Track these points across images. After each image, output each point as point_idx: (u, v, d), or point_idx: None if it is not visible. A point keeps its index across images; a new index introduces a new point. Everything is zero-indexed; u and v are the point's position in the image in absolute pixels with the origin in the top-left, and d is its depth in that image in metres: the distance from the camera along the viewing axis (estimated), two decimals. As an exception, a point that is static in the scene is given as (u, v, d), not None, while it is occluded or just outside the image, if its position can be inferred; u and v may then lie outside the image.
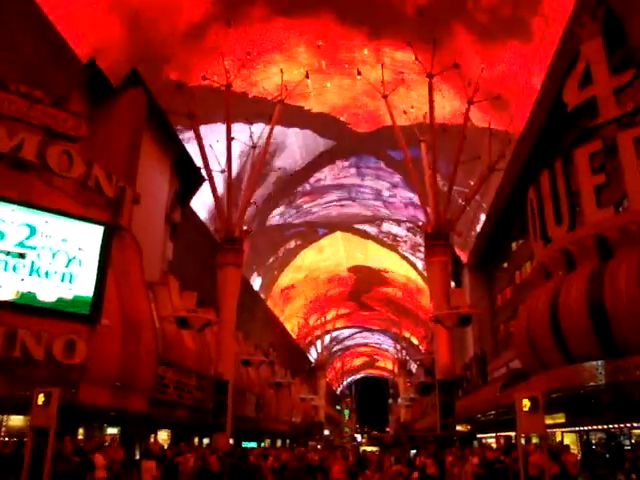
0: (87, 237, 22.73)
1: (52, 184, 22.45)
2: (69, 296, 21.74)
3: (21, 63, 24.71)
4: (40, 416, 13.71)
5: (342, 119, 50.84)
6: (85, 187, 23.55)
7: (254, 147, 39.91)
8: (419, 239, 62.36)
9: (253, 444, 44.72)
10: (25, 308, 20.37)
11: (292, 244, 77.43)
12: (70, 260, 22.00)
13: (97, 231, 23.09)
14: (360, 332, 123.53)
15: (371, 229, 76.53)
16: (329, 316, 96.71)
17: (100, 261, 22.75)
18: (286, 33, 40.26)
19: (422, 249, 45.43)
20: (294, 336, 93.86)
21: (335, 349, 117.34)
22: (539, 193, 21.52)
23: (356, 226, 76.15)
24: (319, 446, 58.05)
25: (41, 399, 13.72)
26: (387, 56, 40.36)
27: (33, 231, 21.23)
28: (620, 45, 20.19)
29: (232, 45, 37.63)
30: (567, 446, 21.19)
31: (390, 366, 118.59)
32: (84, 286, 22.14)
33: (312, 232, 76.05)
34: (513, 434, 25.72)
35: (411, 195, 57.55)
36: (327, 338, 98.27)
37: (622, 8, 20.64)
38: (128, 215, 25.52)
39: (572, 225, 19.67)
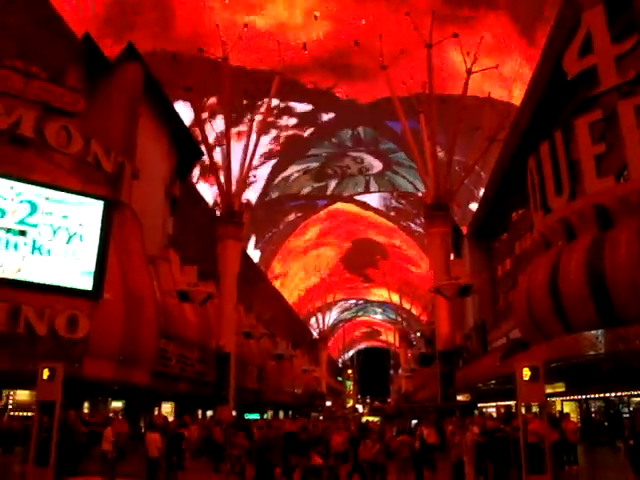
0: (87, 213, 22.71)
1: (51, 160, 22.37)
2: (71, 272, 21.80)
3: (16, 39, 24.40)
4: (46, 390, 13.85)
5: (340, 91, 50.51)
6: (84, 163, 23.47)
7: (252, 121, 39.74)
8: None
9: (256, 415, 45.09)
10: (28, 285, 20.47)
11: (292, 216, 77.36)
12: (71, 236, 22.00)
13: (97, 206, 23.05)
14: (362, 304, 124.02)
15: (372, 200, 76.42)
16: (330, 288, 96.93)
17: (101, 237, 22.75)
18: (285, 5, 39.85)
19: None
20: (295, 309, 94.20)
21: (337, 321, 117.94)
22: (539, 163, 21.42)
23: (357, 198, 76.06)
24: (321, 417, 58.61)
25: (46, 374, 13.83)
26: (386, 27, 39.94)
27: (34, 208, 21.20)
28: (621, 13, 19.93)
29: (229, 17, 37.25)
30: (567, 414, 21.42)
31: (391, 337, 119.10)
32: (86, 262, 22.20)
33: (312, 204, 75.95)
34: (513, 403, 25.99)
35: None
36: (329, 310, 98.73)
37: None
38: (128, 190, 25.48)
39: (572, 195, 19.60)
